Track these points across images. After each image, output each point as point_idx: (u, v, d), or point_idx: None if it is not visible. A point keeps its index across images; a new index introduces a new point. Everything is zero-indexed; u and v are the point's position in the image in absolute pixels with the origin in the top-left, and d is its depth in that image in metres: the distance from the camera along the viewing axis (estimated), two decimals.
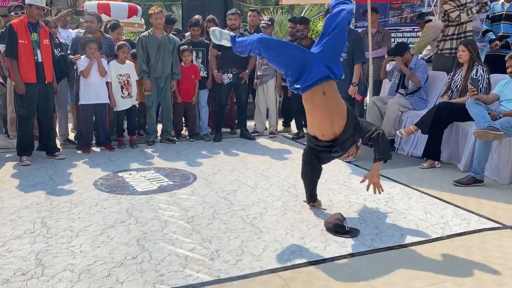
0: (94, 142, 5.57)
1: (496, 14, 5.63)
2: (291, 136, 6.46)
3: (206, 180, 4.17)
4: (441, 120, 4.58)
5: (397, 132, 4.96)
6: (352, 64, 5.13)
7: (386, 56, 5.88)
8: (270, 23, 6.27)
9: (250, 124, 6.53)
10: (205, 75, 6.09)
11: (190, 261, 2.58)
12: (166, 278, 2.38)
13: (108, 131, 5.59)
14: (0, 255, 2.64)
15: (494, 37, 5.54)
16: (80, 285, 2.31)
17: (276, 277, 2.41)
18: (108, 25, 6.08)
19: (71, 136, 5.96)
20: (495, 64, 5.08)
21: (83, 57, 5.30)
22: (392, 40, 8.31)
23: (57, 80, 5.38)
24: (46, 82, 4.83)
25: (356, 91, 5.16)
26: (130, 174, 4.43)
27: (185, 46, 5.88)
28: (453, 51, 5.55)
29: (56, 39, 5.56)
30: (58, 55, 5.39)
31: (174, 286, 2.31)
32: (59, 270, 2.46)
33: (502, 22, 5.56)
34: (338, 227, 2.95)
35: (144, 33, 5.85)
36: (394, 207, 3.47)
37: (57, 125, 5.76)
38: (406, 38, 10.10)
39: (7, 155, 5.23)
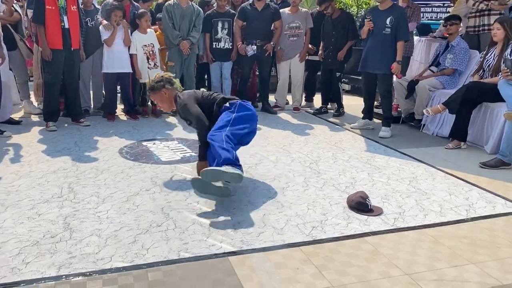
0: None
1: None
2: (312, 111, 6.40)
3: None
4: (470, 100, 4.47)
5: (424, 110, 4.87)
6: (395, 40, 4.82)
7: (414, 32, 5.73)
8: None
9: (271, 98, 6.48)
10: (230, 47, 6.02)
11: (213, 231, 2.61)
12: (190, 246, 2.43)
13: (132, 100, 5.62)
14: (29, 217, 2.72)
15: None
16: (107, 250, 2.37)
17: (298, 251, 2.43)
18: None
19: None
20: None
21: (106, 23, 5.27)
22: (421, 15, 8.06)
23: (95, 49, 5.37)
24: (72, 48, 4.85)
25: (400, 69, 4.93)
26: (154, 143, 4.48)
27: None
28: (477, 28, 5.37)
29: (92, 6, 5.45)
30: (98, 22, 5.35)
31: (198, 254, 2.35)
32: (87, 234, 2.53)
33: None
34: (360, 205, 2.94)
35: (170, 2, 5.78)
36: (418, 187, 3.43)
37: (92, 93, 5.80)
38: (436, 14, 9.75)
39: (33, 120, 5.34)
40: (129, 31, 5.37)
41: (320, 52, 6.06)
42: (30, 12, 5.18)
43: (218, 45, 5.98)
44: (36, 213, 2.78)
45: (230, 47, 6.01)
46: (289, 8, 6.09)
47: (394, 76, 5.04)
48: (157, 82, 3.40)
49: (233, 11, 6.05)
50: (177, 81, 3.50)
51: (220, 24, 5.95)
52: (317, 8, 6.27)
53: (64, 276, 2.12)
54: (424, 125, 5.32)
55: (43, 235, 2.51)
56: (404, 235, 2.66)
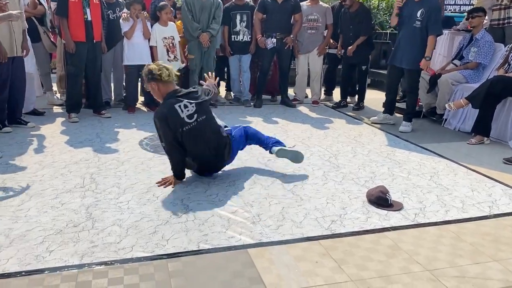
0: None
1: None
2: (331, 105, 6.36)
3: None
4: (494, 95, 4.37)
5: (446, 105, 4.78)
6: (425, 34, 4.62)
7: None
8: None
9: (290, 91, 6.46)
10: (249, 40, 6.00)
11: (232, 223, 2.63)
12: (209, 238, 2.44)
13: None
14: (53, 206, 2.78)
15: None
16: (128, 239, 2.41)
17: (317, 244, 2.43)
18: None
19: None
20: None
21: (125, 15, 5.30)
22: (445, 7, 7.90)
23: (116, 41, 5.42)
24: (94, 41, 4.90)
25: (429, 66, 4.77)
26: None
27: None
28: (501, 21, 5.23)
29: None
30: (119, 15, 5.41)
31: (218, 246, 2.37)
32: (108, 224, 2.57)
33: None
34: (380, 199, 2.92)
35: None
36: (439, 183, 3.38)
37: (113, 85, 5.86)
38: (459, 6, 9.55)
39: (55, 111, 5.43)
40: (149, 23, 5.40)
41: (338, 47, 6.02)
42: (53, 5, 5.26)
43: (236, 38, 5.97)
44: (59, 203, 2.84)
45: (249, 40, 5.99)
46: (308, 0, 6.05)
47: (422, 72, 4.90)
48: (145, 75, 3.11)
49: (252, 4, 6.03)
50: (164, 73, 3.04)
51: (238, 17, 5.93)
52: (338, 0, 6.21)
53: (86, 265, 2.16)
54: (446, 119, 5.23)
55: (66, 224, 2.56)
56: (425, 230, 2.63)
